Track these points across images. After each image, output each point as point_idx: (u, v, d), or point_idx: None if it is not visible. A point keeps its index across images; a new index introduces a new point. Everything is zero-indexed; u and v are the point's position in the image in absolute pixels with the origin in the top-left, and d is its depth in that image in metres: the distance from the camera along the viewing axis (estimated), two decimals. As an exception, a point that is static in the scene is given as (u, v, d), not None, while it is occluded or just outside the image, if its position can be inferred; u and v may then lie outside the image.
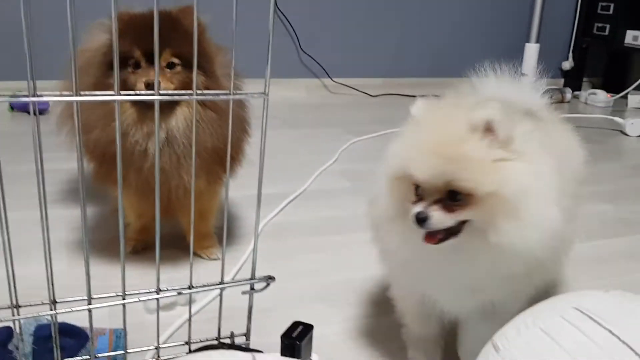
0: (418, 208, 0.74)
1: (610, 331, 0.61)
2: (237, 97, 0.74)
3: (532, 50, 3.13)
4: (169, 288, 0.83)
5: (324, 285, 1.18)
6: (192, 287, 0.84)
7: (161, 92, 0.70)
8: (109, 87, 0.99)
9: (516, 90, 0.97)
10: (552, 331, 0.63)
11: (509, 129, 0.72)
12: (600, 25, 3.21)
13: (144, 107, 1.04)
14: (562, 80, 3.42)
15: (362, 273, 1.22)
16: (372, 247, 1.32)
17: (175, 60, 1.05)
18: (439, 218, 0.74)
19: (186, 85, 1.05)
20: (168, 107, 1.04)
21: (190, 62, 1.04)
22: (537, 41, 3.13)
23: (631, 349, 0.59)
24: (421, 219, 0.74)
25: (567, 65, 3.37)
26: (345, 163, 1.94)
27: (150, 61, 1.02)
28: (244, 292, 0.86)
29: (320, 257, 1.30)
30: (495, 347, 0.66)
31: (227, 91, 0.74)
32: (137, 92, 0.73)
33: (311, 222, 1.48)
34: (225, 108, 1.07)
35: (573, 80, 3.36)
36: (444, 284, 0.83)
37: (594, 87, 3.33)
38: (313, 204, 1.60)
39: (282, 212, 1.53)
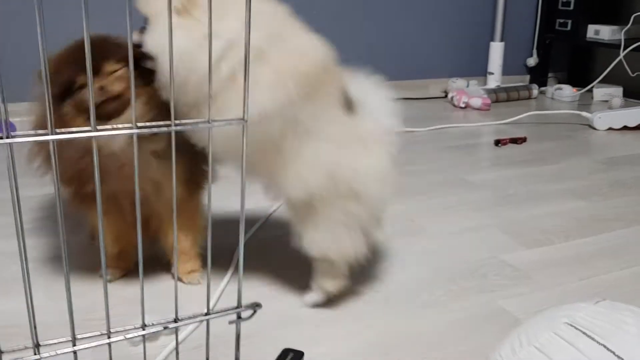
0: None
1: (604, 346, 0.61)
2: (216, 125, 0.72)
3: (497, 48, 3.16)
4: (154, 323, 0.81)
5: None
6: (178, 319, 0.82)
7: (138, 124, 0.69)
8: (62, 118, 1.03)
9: None
10: (547, 349, 0.63)
11: None
12: (562, 21, 3.26)
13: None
14: (527, 77, 3.46)
15: (348, 288, 1.21)
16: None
17: (117, 66, 1.05)
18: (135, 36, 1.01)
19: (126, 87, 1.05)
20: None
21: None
22: (502, 39, 3.16)
23: (627, 363, 0.59)
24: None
25: (532, 61, 3.41)
26: (320, 173, 1.94)
27: (94, 75, 1.02)
28: (230, 322, 0.85)
29: (300, 274, 1.28)
30: (491, 367, 0.66)
31: (205, 119, 0.72)
32: (114, 127, 0.71)
33: (292, 236, 1.46)
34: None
35: (538, 76, 3.40)
36: None
37: (559, 82, 3.37)
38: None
39: (260, 228, 1.51)
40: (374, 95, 1.12)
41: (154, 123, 0.69)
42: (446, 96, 3.09)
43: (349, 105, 1.06)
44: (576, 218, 1.60)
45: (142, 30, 0.99)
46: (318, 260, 1.11)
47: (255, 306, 0.86)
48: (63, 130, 0.65)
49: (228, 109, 0.92)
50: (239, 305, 0.85)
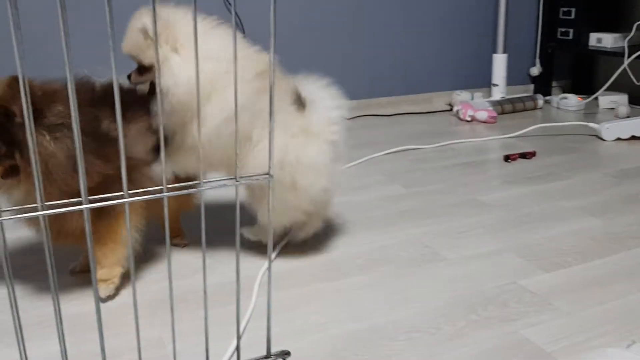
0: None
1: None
2: (243, 183, 0.73)
3: (500, 60, 3.17)
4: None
5: (333, 341, 1.16)
6: (208, 372, 0.82)
7: (168, 186, 0.69)
8: None
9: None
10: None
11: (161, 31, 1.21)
12: (563, 30, 3.27)
13: None
14: (531, 87, 3.46)
15: (368, 322, 1.21)
16: (373, 292, 1.32)
17: None
18: (133, 77, 1.30)
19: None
20: None
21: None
22: (504, 51, 3.17)
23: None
24: (128, 77, 1.30)
25: (536, 71, 3.41)
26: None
27: None
28: (261, 372, 0.85)
29: (322, 308, 1.28)
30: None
31: (233, 176, 0.72)
32: (145, 191, 0.72)
33: (307, 268, 1.45)
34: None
35: (542, 85, 3.40)
36: None
37: (564, 91, 3.39)
38: (305, 247, 1.57)
39: (277, 259, 1.50)
40: (322, 93, 1.39)
41: (183, 184, 0.69)
42: (451, 109, 3.10)
43: (299, 102, 1.34)
44: (592, 237, 1.60)
45: (140, 72, 1.28)
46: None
47: (285, 354, 0.86)
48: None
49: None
50: (268, 355, 0.85)
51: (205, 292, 0.77)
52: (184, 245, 1.54)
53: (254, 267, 1.44)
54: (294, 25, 2.90)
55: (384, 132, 2.71)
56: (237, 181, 0.72)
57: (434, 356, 1.11)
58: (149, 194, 0.74)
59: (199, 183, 0.70)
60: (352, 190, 1.97)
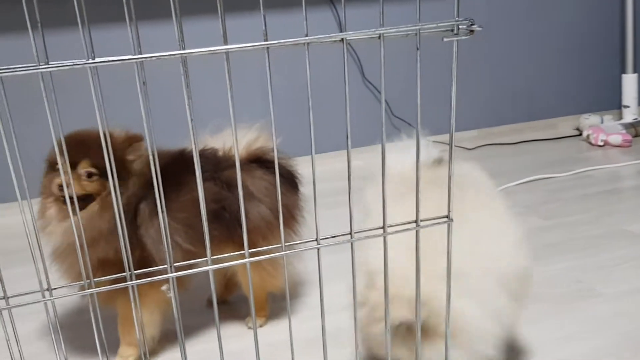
0: None
1: None
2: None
3: (630, 80, 3.03)
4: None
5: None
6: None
7: (354, 233, 0.70)
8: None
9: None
10: None
11: None
12: (697, 44, 3.09)
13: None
14: (666, 107, 3.28)
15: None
16: (531, 330, 1.27)
17: (93, 170, 1.16)
18: None
19: (100, 192, 1.17)
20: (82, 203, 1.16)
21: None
22: (635, 71, 3.03)
23: None
24: None
25: (670, 90, 3.23)
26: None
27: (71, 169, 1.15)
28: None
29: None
30: None
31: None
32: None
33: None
34: None
35: (677, 104, 3.21)
36: None
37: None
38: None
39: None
40: None
41: (366, 229, 0.70)
42: (580, 134, 2.98)
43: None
44: None
45: None
46: None
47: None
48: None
49: None
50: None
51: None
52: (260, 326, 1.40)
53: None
54: (411, 58, 2.90)
55: (510, 162, 2.64)
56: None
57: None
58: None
59: (383, 227, 0.71)
60: (488, 223, 1.93)
